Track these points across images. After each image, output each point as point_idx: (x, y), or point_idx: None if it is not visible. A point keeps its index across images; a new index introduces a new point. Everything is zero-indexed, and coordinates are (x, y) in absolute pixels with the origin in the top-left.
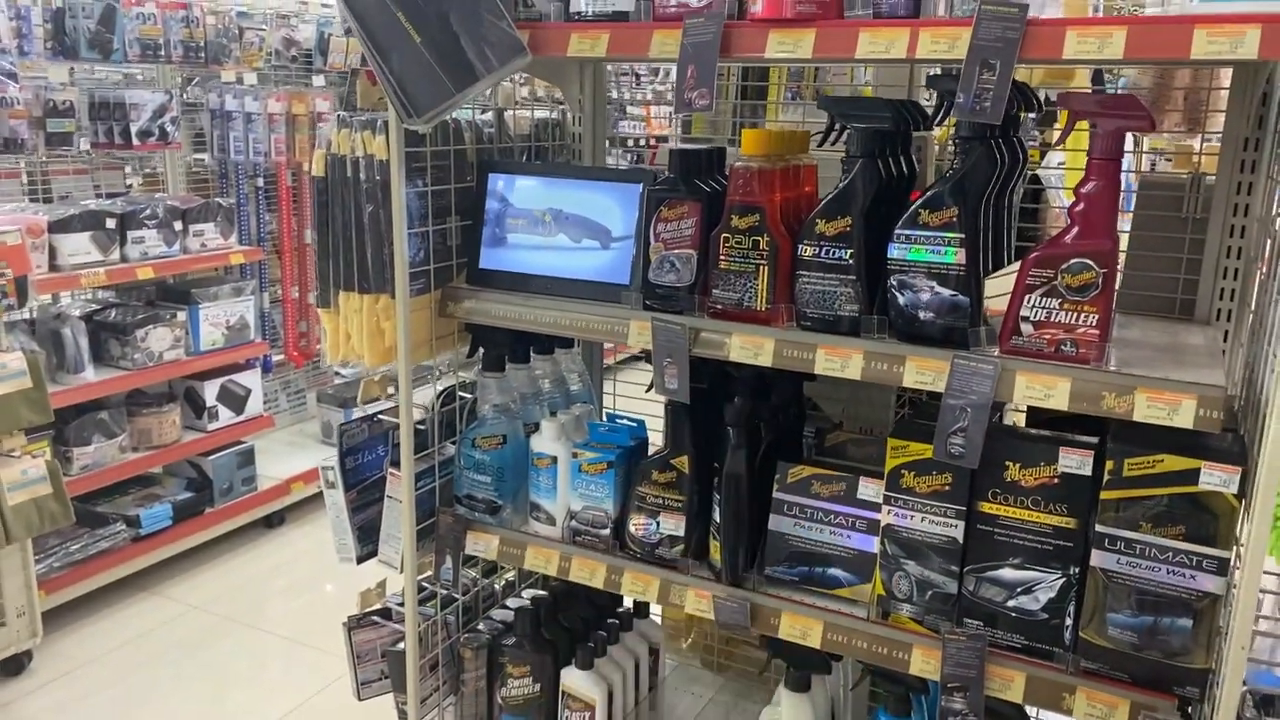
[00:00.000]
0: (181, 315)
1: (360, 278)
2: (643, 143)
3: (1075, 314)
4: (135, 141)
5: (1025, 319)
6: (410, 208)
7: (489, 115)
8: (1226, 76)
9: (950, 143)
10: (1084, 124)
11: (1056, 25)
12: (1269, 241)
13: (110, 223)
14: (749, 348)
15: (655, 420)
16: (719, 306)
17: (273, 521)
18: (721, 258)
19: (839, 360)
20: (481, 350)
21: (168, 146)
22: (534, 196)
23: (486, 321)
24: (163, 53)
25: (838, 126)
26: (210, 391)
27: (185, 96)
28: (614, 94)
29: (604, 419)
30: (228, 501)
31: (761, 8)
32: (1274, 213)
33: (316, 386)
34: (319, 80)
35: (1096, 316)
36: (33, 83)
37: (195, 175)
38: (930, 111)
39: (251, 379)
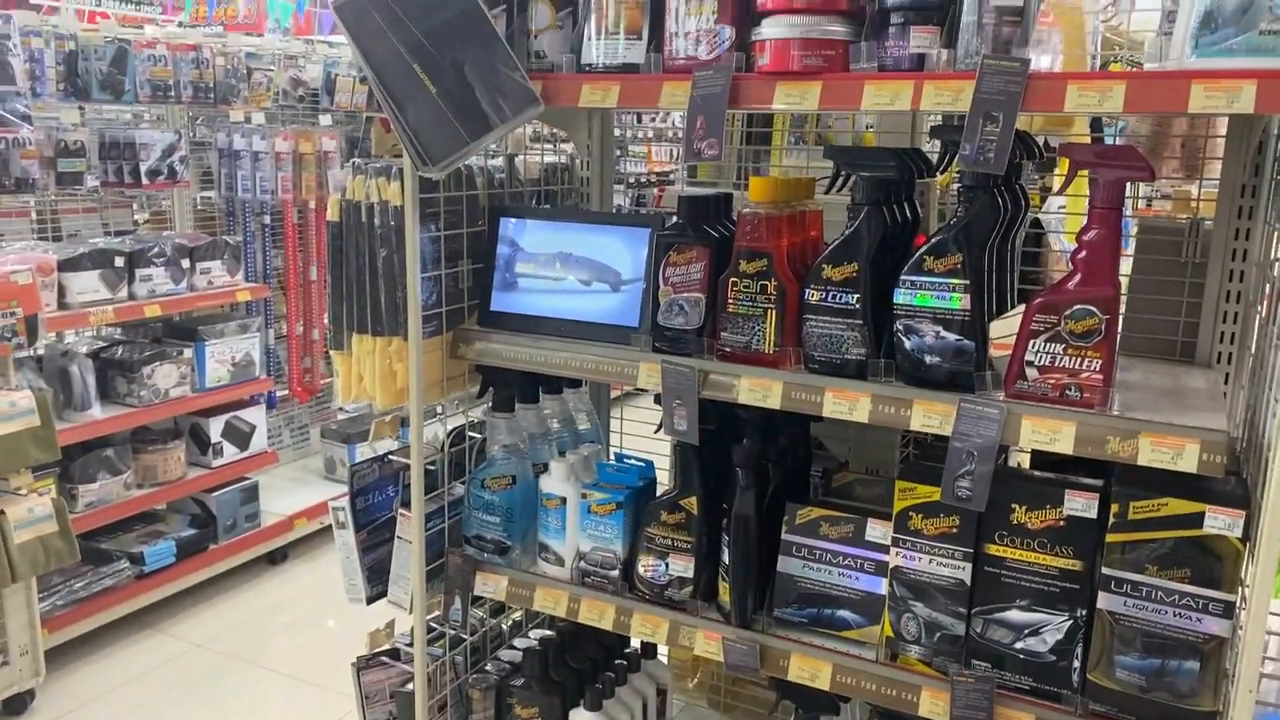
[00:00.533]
0: (188, 352)
1: (373, 320)
2: (644, 180)
3: (1079, 359)
4: (144, 180)
5: (1030, 363)
6: (423, 252)
7: (500, 161)
8: (1223, 125)
9: (952, 188)
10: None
11: (1058, 79)
12: (1267, 285)
13: (119, 261)
14: (758, 390)
15: (662, 457)
16: (727, 349)
17: (276, 558)
18: (730, 301)
19: (847, 403)
20: (491, 390)
21: (176, 185)
22: (544, 240)
23: (497, 363)
24: (173, 93)
25: (844, 175)
26: (215, 428)
27: (194, 136)
28: (615, 133)
29: (612, 458)
30: (231, 538)
31: (769, 60)
32: (1272, 257)
33: (320, 422)
34: (325, 119)
35: (1100, 361)
36: (45, 123)
37: (202, 213)
38: (933, 159)
39: (256, 415)
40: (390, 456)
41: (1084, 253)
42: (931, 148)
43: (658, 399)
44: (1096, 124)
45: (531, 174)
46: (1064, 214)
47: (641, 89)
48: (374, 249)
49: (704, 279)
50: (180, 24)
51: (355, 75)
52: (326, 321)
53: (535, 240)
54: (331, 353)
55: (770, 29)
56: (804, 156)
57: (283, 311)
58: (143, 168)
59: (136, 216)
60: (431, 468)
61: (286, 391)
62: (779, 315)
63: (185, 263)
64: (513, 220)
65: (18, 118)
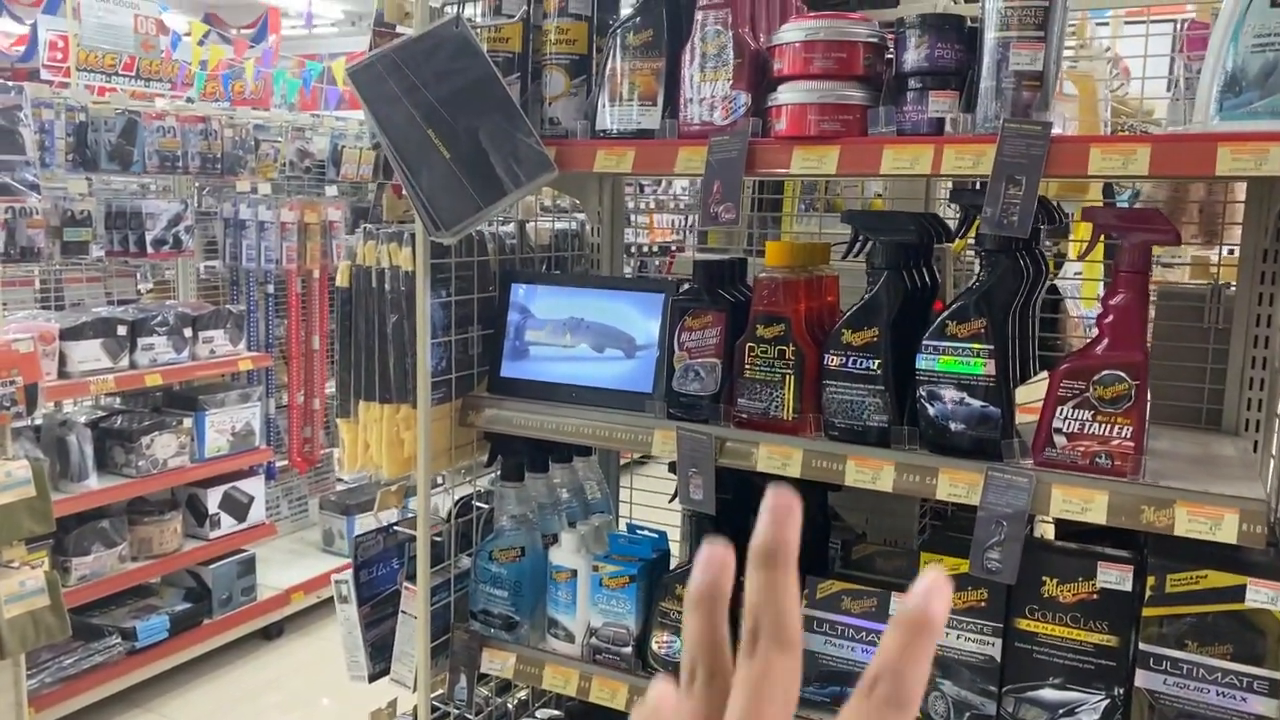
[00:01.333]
0: (187, 422)
1: (381, 387)
2: (646, 249)
3: (1109, 426)
4: (149, 249)
5: (1058, 430)
6: (434, 317)
7: (511, 227)
8: (1241, 190)
9: (971, 253)
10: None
11: (1080, 142)
12: None
13: (121, 329)
14: (777, 458)
15: (672, 527)
16: (745, 416)
17: (271, 633)
18: (747, 367)
19: (870, 472)
20: (500, 459)
21: (181, 254)
22: (556, 306)
23: (508, 430)
24: (180, 164)
25: (861, 239)
26: (213, 499)
27: (200, 206)
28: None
29: (622, 528)
30: (226, 612)
31: (786, 125)
32: None
33: (319, 493)
34: (331, 190)
35: (1130, 428)
36: (52, 193)
37: (206, 282)
38: (951, 224)
39: (255, 486)
40: (395, 528)
41: (1110, 317)
42: (949, 212)
43: (671, 467)
44: (1109, 190)
45: (542, 240)
46: (1080, 280)
47: (657, 154)
48: (384, 315)
49: (720, 344)
50: (189, 99)
51: (362, 146)
52: (332, 390)
53: (546, 306)
54: (337, 421)
55: (787, 94)
56: (815, 223)
57: (284, 381)
58: (148, 237)
59: (141, 286)
60: (438, 539)
61: (286, 462)
62: (798, 381)
63: (188, 331)
64: (524, 286)
65: (26, 187)
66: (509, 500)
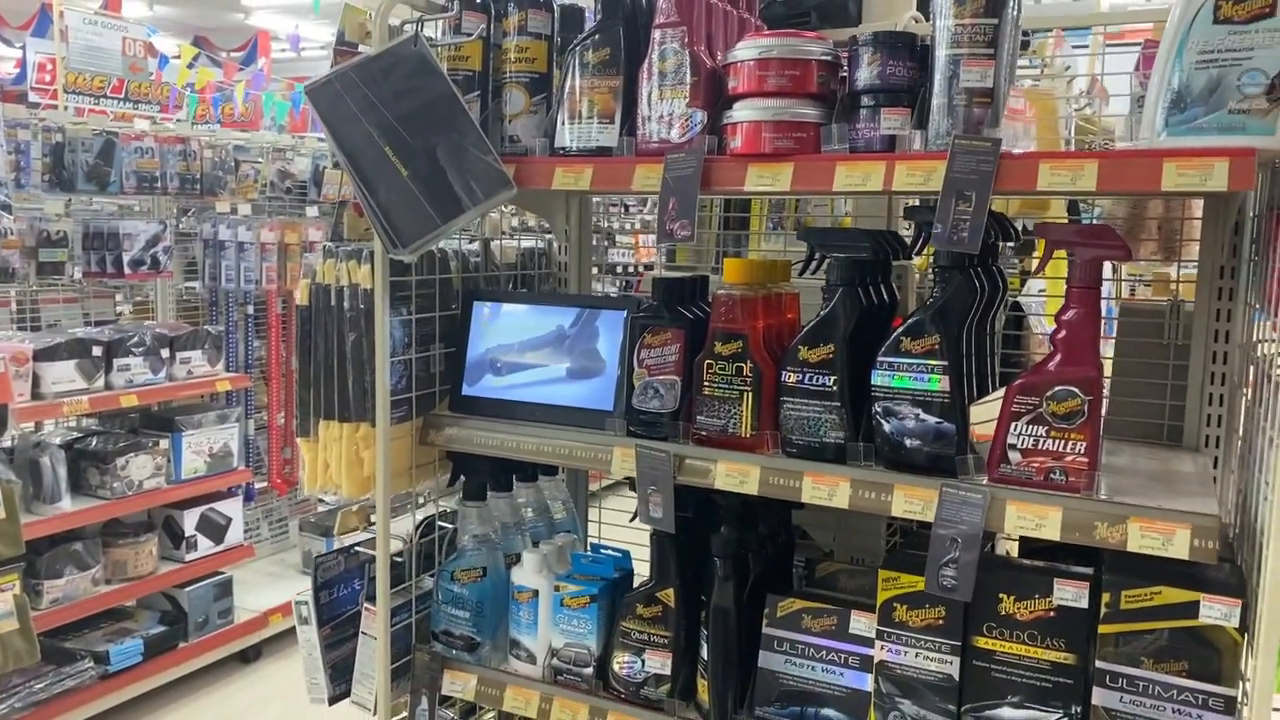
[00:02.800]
0: (164, 443)
1: (341, 406)
2: (632, 269)
3: (1063, 441)
4: (127, 270)
5: (1013, 446)
6: (394, 336)
7: (475, 245)
8: (1199, 207)
9: (930, 271)
10: (1061, 252)
11: (1030, 159)
12: (1251, 368)
13: (96, 350)
14: (734, 475)
15: (642, 547)
16: (704, 433)
17: (249, 656)
18: (705, 384)
19: (826, 488)
20: (463, 478)
21: (159, 275)
22: (518, 324)
23: (468, 449)
24: (159, 185)
25: (818, 256)
26: (190, 521)
27: (180, 226)
28: (603, 223)
29: (588, 549)
30: (202, 635)
31: (741, 143)
32: (1254, 339)
33: (299, 515)
34: (312, 211)
35: (1084, 444)
36: (27, 214)
37: (186, 303)
38: (909, 241)
39: (233, 507)
40: (356, 548)
41: (1063, 333)
42: (909, 230)
43: (632, 484)
44: (1074, 207)
45: (508, 259)
46: (1044, 297)
47: (614, 171)
48: (343, 333)
49: (679, 361)
50: (178, 121)
51: (329, 162)
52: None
53: (509, 324)
54: (298, 440)
55: (741, 112)
56: (783, 241)
57: (264, 402)
58: (125, 258)
59: (120, 307)
60: (399, 559)
61: (266, 483)
62: (755, 398)
63: (165, 352)
64: (487, 304)
65: None
66: (471, 520)
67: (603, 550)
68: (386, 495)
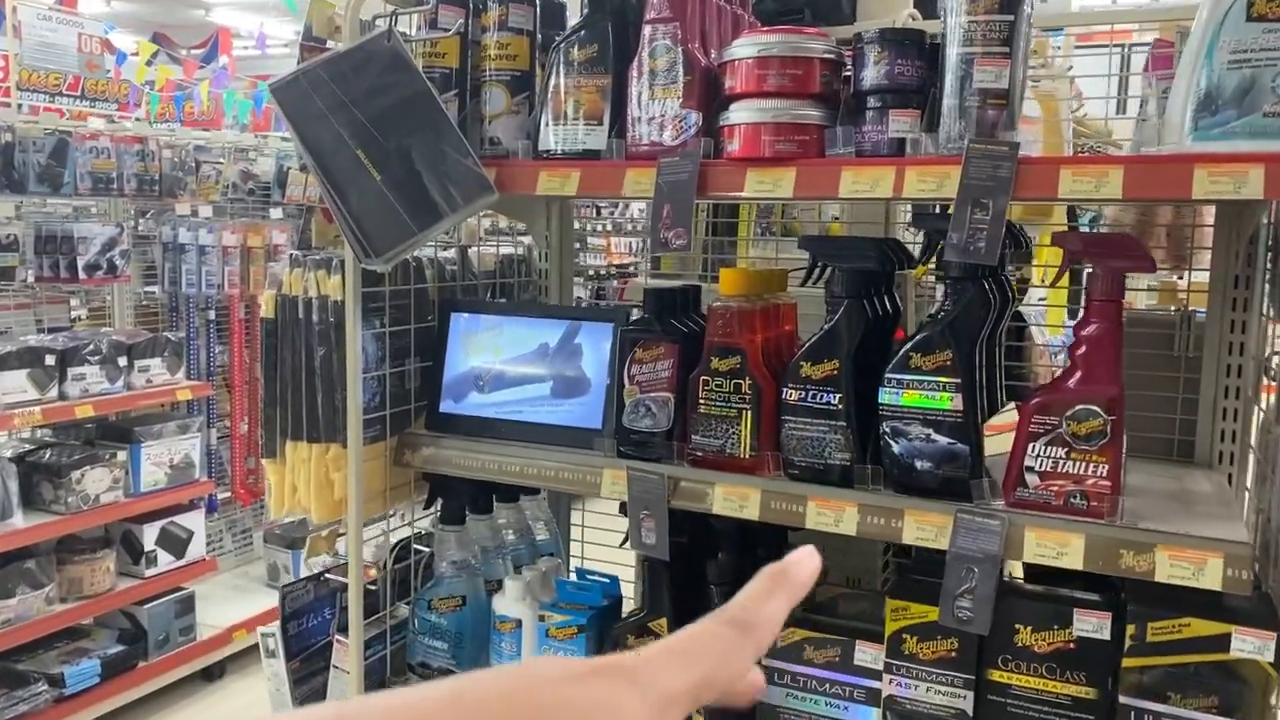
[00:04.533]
0: (121, 455)
1: (309, 426)
2: (603, 272)
3: (1084, 464)
4: (82, 275)
5: (1030, 469)
6: (366, 350)
7: (452, 253)
8: (1209, 213)
9: (932, 279)
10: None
11: (1050, 164)
12: (1267, 381)
13: (49, 359)
14: (733, 499)
15: (626, 567)
16: (700, 454)
17: (213, 674)
18: (701, 402)
19: (832, 514)
20: (440, 501)
21: (116, 280)
22: (499, 336)
23: (447, 471)
24: (115, 185)
25: (819, 266)
26: (149, 535)
27: (138, 229)
28: (575, 225)
29: (572, 572)
30: (163, 654)
31: (739, 146)
32: (1269, 352)
33: (263, 526)
34: (276, 213)
35: (1106, 466)
36: None
37: (144, 309)
38: (916, 250)
39: (195, 520)
40: (326, 575)
41: (1083, 349)
42: (908, 236)
43: (622, 507)
44: (1071, 213)
45: (486, 266)
46: (1044, 306)
47: (603, 176)
48: (311, 348)
49: (673, 377)
50: (137, 120)
51: (293, 163)
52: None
53: (489, 337)
54: (264, 462)
55: (739, 114)
56: (772, 247)
57: (227, 410)
58: (80, 262)
59: (75, 313)
60: (372, 587)
61: (229, 494)
62: (755, 416)
63: (122, 360)
64: (465, 315)
65: None
66: (449, 545)
67: (589, 576)
68: (359, 521)
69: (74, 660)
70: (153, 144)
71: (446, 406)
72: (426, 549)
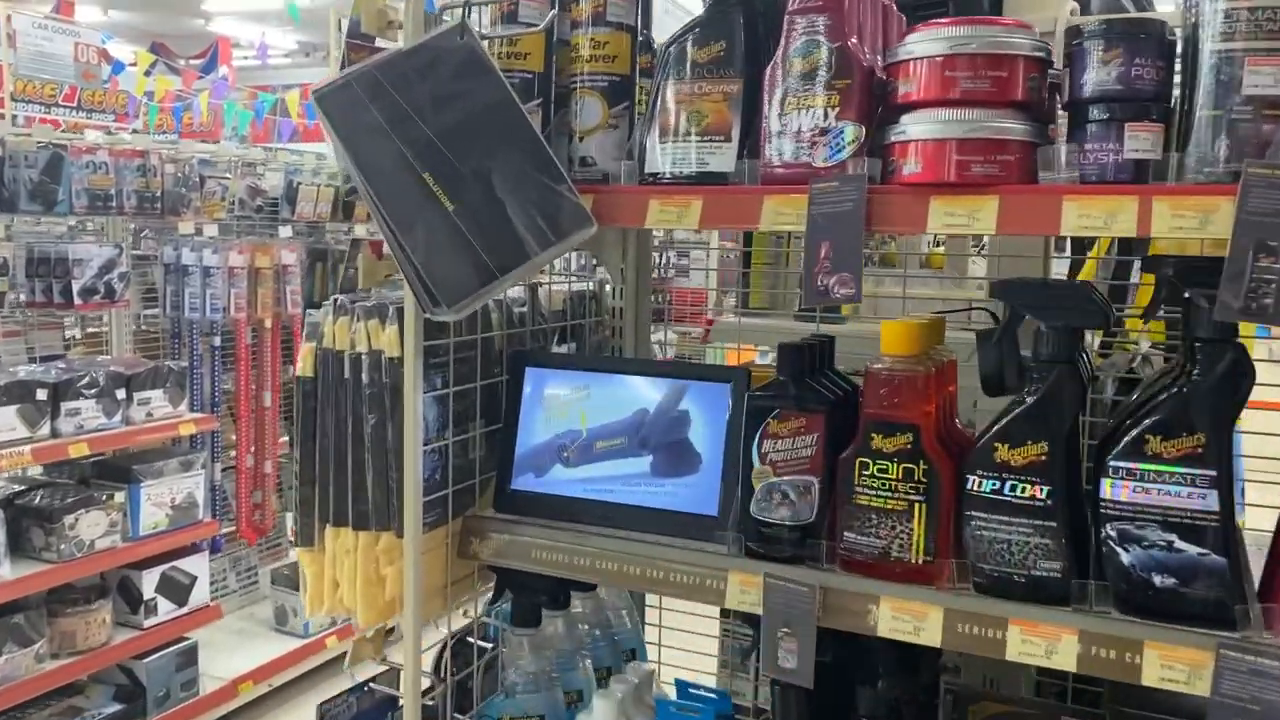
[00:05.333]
0: (119, 496)
1: (356, 510)
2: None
3: None
4: (77, 300)
5: None
6: (427, 417)
7: (520, 292)
8: None
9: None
10: None
11: None
12: None
13: (41, 393)
14: (906, 618)
15: (706, 656)
16: (857, 556)
17: None
18: (858, 489)
19: (1044, 642)
20: (508, 593)
21: (114, 305)
22: (584, 397)
23: (523, 566)
24: (114, 203)
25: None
26: (149, 582)
27: (138, 249)
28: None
29: (664, 682)
30: (164, 711)
31: (920, 168)
32: None
33: (271, 564)
34: (286, 230)
35: None
36: None
37: (144, 335)
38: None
39: (198, 564)
40: (372, 685)
41: None
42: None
43: (746, 615)
44: None
45: (555, 306)
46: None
47: (733, 205)
48: (360, 415)
49: (818, 456)
50: (134, 131)
51: (319, 182)
52: (287, 452)
53: (571, 397)
54: (297, 552)
55: (919, 127)
56: (872, 282)
57: (232, 441)
58: (75, 286)
59: (70, 332)
60: (430, 703)
61: (234, 529)
62: (931, 511)
63: (120, 393)
64: (539, 369)
65: None
66: (521, 650)
67: (693, 691)
68: (418, 626)
69: None
70: (154, 158)
71: (520, 482)
72: (488, 644)
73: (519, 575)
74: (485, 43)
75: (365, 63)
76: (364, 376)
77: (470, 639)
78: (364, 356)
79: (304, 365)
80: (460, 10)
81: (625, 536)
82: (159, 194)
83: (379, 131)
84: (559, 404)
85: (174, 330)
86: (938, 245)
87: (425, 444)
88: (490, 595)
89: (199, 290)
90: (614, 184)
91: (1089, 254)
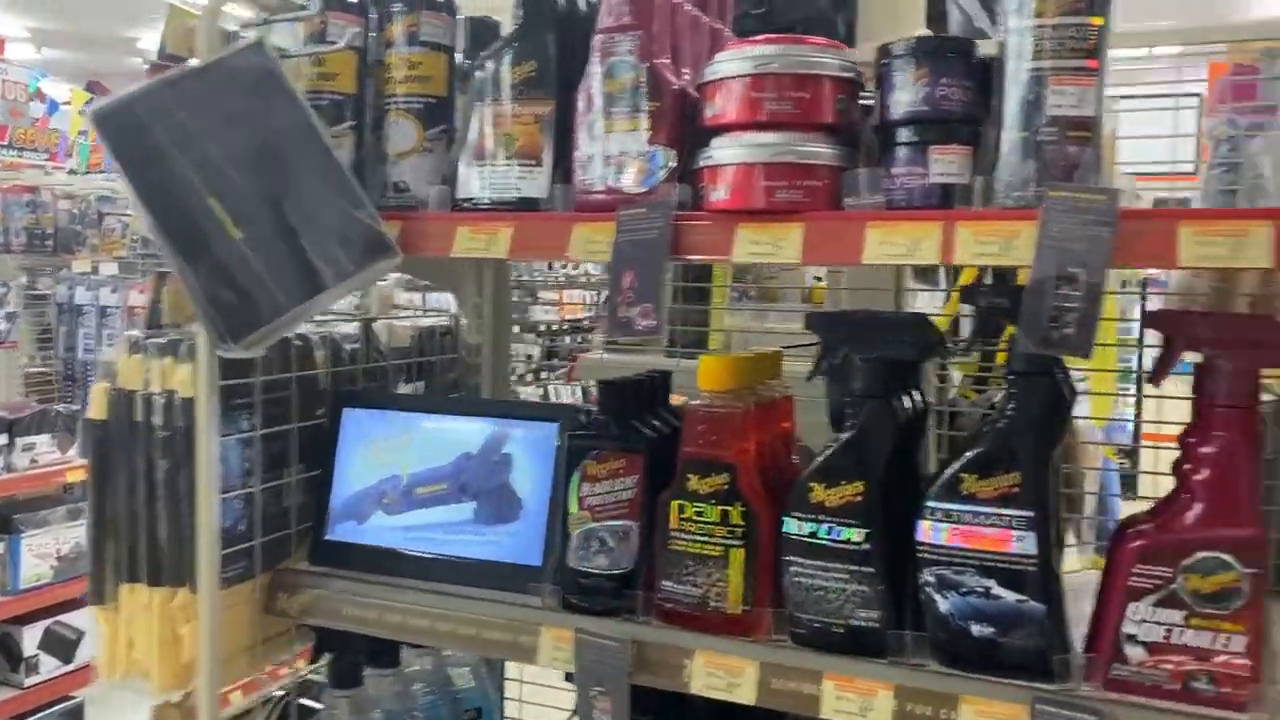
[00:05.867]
0: None
1: (150, 564)
2: (555, 327)
3: (1211, 635)
4: None
5: (1132, 638)
6: (228, 461)
7: (352, 327)
8: None
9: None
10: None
11: (1165, 218)
12: None
13: None
14: (719, 674)
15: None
16: (673, 606)
17: None
18: (674, 534)
19: (858, 698)
20: (327, 654)
21: (1, 347)
22: (408, 441)
23: (335, 624)
24: (1, 240)
25: (827, 352)
26: (30, 638)
27: (34, 288)
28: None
29: None
30: None
31: (727, 195)
32: None
33: None
34: None
35: (1244, 638)
36: None
37: (38, 377)
38: (971, 330)
39: (85, 619)
40: None
41: (1205, 472)
42: (917, 302)
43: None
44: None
45: (401, 341)
46: (1088, 394)
47: (543, 233)
48: (153, 460)
49: (637, 499)
50: (71, 171)
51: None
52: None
53: (395, 441)
54: (91, 609)
55: (726, 151)
56: (750, 315)
57: None
58: None
59: None
60: None
61: None
62: (749, 556)
63: (3, 438)
64: (363, 411)
65: None
66: (341, 713)
67: None
68: (214, 692)
69: None
70: (46, 195)
71: (336, 532)
72: (315, 704)
73: (335, 631)
74: (293, 62)
75: (150, 81)
76: (155, 419)
77: (305, 700)
78: (156, 397)
79: (95, 407)
80: (258, 27)
81: (440, 591)
82: (51, 231)
83: (162, 155)
84: (381, 447)
85: (67, 373)
86: (819, 281)
87: (226, 491)
88: (310, 655)
89: (94, 331)
90: (423, 211)
91: (957, 283)
